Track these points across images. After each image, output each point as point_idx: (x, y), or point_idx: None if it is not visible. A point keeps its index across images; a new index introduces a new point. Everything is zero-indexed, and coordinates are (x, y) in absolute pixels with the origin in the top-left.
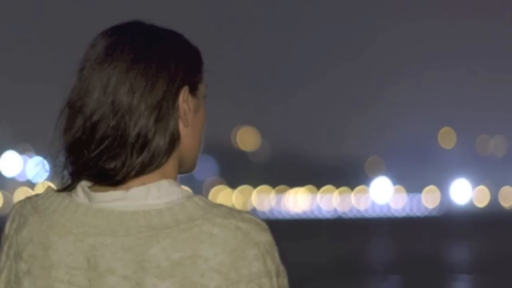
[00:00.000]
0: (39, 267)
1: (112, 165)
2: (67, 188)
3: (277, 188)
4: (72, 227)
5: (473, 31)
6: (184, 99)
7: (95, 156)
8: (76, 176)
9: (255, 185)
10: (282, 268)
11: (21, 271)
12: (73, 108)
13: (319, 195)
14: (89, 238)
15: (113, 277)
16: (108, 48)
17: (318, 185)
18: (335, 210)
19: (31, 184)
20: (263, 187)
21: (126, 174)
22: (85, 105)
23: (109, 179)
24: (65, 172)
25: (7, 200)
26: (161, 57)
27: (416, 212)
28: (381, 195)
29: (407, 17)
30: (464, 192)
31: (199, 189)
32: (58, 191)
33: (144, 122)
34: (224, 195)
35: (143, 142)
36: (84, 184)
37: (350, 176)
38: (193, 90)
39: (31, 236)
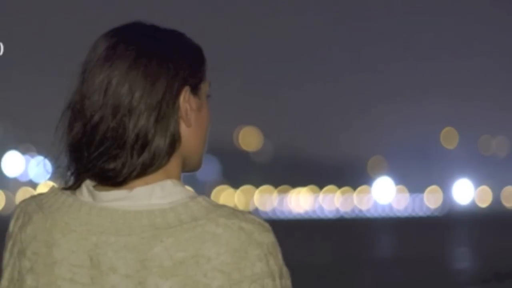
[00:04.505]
0: (42, 265)
1: (112, 165)
2: (72, 186)
3: (280, 188)
4: (75, 225)
5: (474, 29)
6: (186, 99)
7: (95, 157)
8: (77, 177)
9: (257, 185)
10: (285, 269)
11: (24, 269)
12: (74, 110)
13: (321, 195)
14: (92, 236)
15: (116, 275)
16: (109, 50)
17: (321, 185)
18: (338, 210)
19: (33, 184)
20: (266, 187)
21: (127, 175)
22: (86, 107)
23: (110, 179)
24: (68, 173)
25: (9, 200)
26: (161, 57)
27: (419, 212)
28: (384, 195)
29: (408, 15)
30: (466, 192)
31: (202, 189)
32: (63, 189)
33: (143, 123)
34: (227, 195)
35: (143, 143)
36: (88, 183)
37: (352, 176)
38: (195, 90)
39: (35, 234)
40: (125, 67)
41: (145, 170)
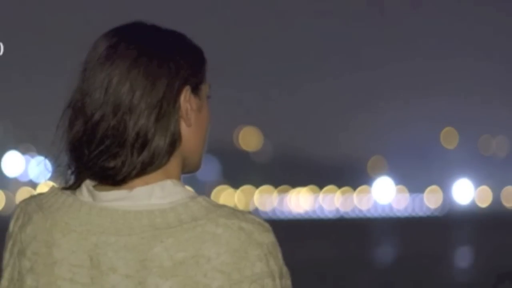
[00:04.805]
0: (42, 265)
1: (112, 164)
2: (72, 186)
3: (280, 188)
4: (75, 225)
5: (475, 29)
6: (186, 99)
7: (95, 156)
8: (78, 175)
9: (257, 185)
10: (285, 269)
11: (24, 268)
12: (75, 108)
13: (321, 195)
14: (92, 236)
15: (115, 275)
16: (110, 49)
17: (320, 185)
18: (338, 210)
19: (33, 184)
20: (266, 187)
21: (127, 174)
22: (87, 105)
23: (110, 178)
24: (68, 172)
25: (9, 200)
26: (162, 57)
27: (419, 212)
28: (384, 195)
29: (408, 14)
30: (466, 192)
31: (202, 189)
32: (63, 189)
33: (143, 122)
34: (227, 195)
35: (143, 142)
36: (88, 183)
37: (352, 176)
38: (195, 90)
39: (35, 234)
40: (126, 66)
41: (145, 169)
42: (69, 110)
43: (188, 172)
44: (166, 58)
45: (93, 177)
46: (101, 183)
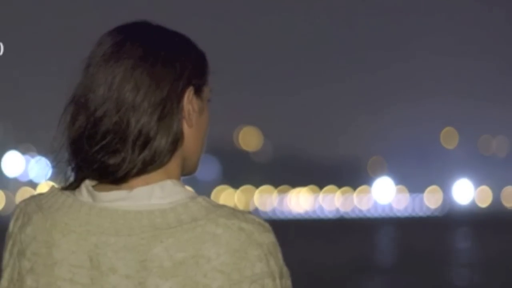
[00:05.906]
0: (42, 265)
1: (112, 160)
2: (71, 186)
3: (280, 188)
4: (75, 225)
5: (474, 29)
6: (189, 100)
7: (96, 151)
8: (78, 172)
9: (257, 185)
10: (285, 269)
11: (24, 269)
12: (78, 104)
13: (321, 195)
14: (92, 237)
15: (115, 276)
16: (115, 46)
17: (320, 185)
18: (338, 210)
19: (33, 184)
20: (266, 187)
21: (127, 171)
22: (90, 101)
23: (110, 175)
24: (69, 168)
25: (9, 201)
26: (167, 57)
27: (419, 212)
28: (384, 195)
29: (408, 15)
30: (466, 192)
31: (202, 189)
32: (63, 189)
33: (146, 120)
34: (227, 195)
35: (144, 140)
36: (88, 183)
37: (352, 176)
38: (198, 92)
39: (35, 234)
40: (131, 64)
41: (145, 168)
42: (71, 106)
43: (185, 175)
44: (171, 58)
45: (93, 174)
46: (101, 181)
